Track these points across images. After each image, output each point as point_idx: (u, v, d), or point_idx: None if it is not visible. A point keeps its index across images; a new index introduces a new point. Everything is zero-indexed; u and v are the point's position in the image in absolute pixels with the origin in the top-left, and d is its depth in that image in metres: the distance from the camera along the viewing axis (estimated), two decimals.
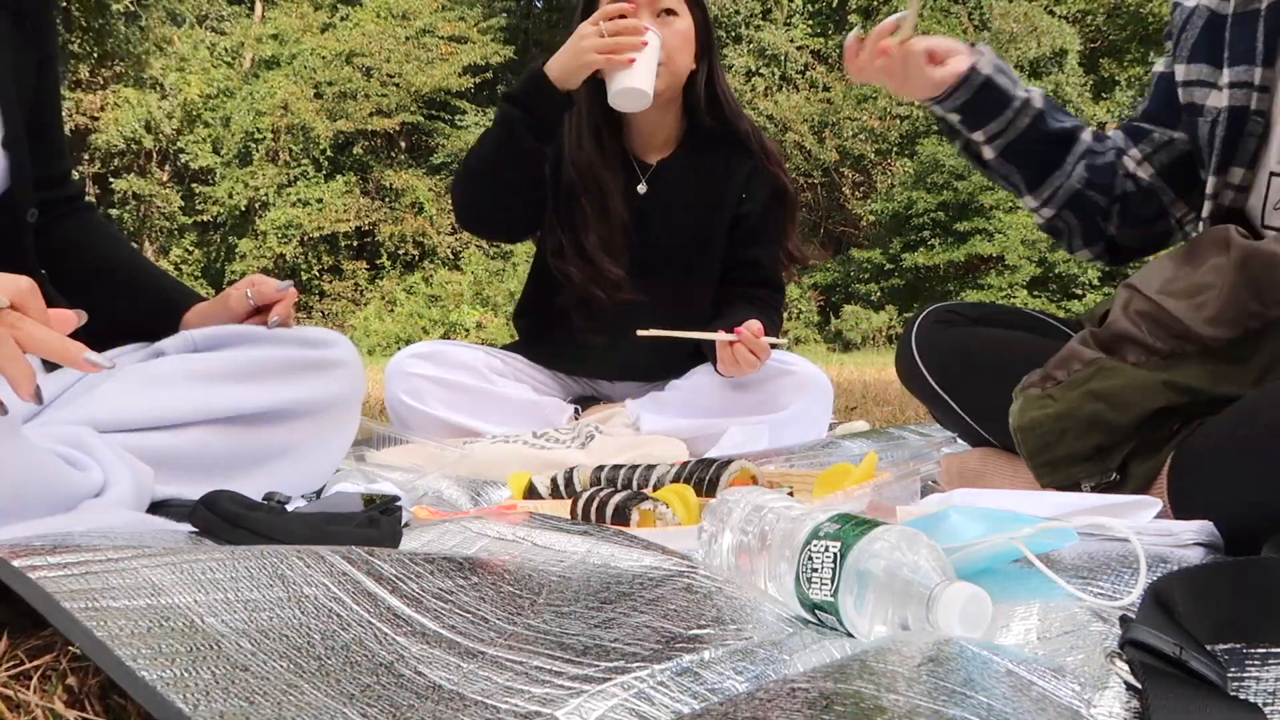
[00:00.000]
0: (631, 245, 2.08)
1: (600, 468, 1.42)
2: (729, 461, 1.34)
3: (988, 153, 1.42)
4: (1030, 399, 1.19)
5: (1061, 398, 1.17)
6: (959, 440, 1.66)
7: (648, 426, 1.96)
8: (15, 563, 0.63)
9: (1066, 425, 1.16)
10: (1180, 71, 1.35)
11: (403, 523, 1.06)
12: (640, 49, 1.81)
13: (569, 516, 1.18)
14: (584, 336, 2.10)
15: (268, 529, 0.89)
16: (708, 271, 2.14)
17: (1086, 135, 1.43)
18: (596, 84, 1.94)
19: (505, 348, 2.22)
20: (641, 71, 1.82)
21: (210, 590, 0.67)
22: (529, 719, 0.58)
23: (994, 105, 1.38)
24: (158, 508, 1.05)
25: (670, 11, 1.97)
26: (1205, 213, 1.33)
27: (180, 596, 0.66)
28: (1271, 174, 1.27)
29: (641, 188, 2.11)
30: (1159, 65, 1.43)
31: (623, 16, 1.84)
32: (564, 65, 1.84)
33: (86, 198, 1.41)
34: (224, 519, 0.90)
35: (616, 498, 1.20)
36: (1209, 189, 1.32)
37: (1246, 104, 1.27)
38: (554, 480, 1.40)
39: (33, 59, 1.21)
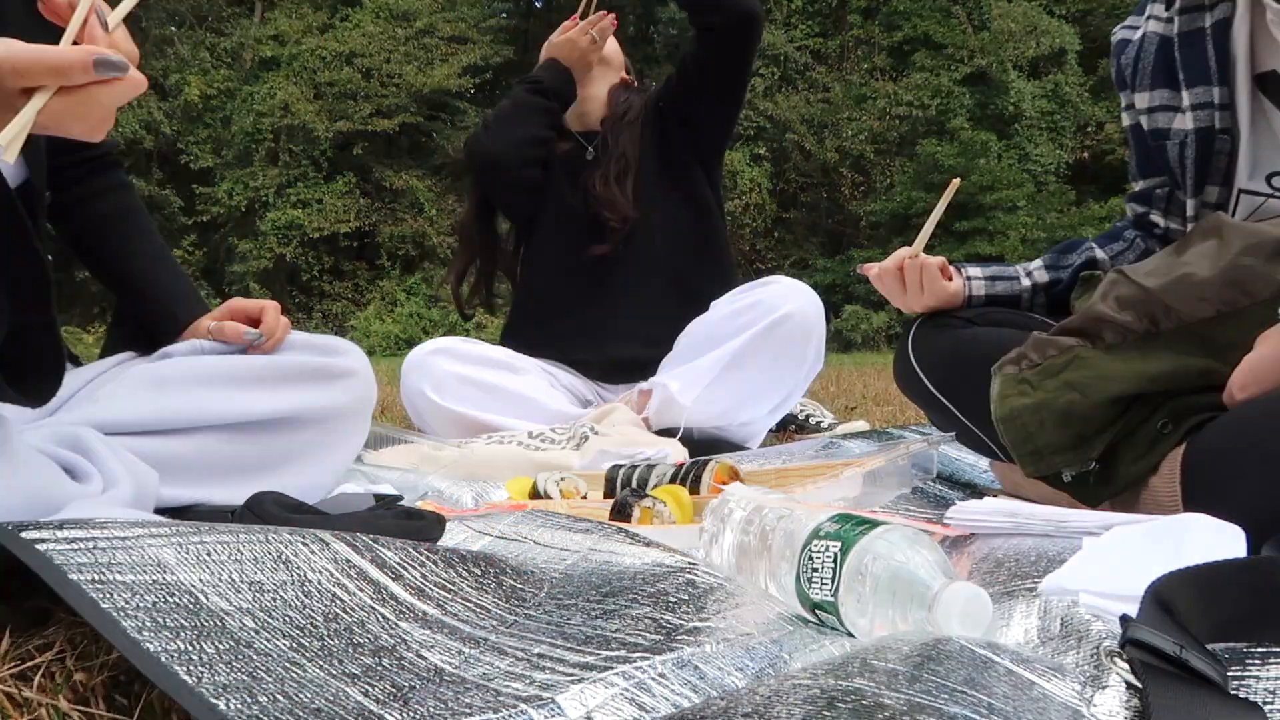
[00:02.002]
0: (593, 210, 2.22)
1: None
2: (708, 460, 1.37)
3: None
4: (1008, 380, 1.20)
5: (1040, 386, 1.17)
6: (956, 439, 1.66)
7: (685, 397, 1.97)
8: (24, 535, 0.64)
9: (1044, 416, 1.17)
10: (1142, 100, 1.38)
11: None
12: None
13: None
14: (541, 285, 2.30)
15: None
16: (656, 231, 2.24)
17: (1100, 253, 1.48)
18: None
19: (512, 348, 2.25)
20: None
21: (216, 570, 0.68)
22: (530, 703, 0.58)
23: (1009, 301, 1.49)
24: (182, 512, 1.05)
25: None
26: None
27: (186, 574, 0.66)
28: (1241, 190, 1.29)
29: (589, 154, 2.28)
30: (1125, 120, 1.47)
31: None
32: (565, 52, 2.29)
33: (115, 163, 1.32)
34: (267, 523, 0.90)
35: (616, 494, 1.22)
36: (1189, 210, 1.34)
37: (1211, 124, 1.29)
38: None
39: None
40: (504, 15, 19.74)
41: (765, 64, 18.07)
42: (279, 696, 0.55)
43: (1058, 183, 17.01)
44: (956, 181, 1.52)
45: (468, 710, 0.57)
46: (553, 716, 0.57)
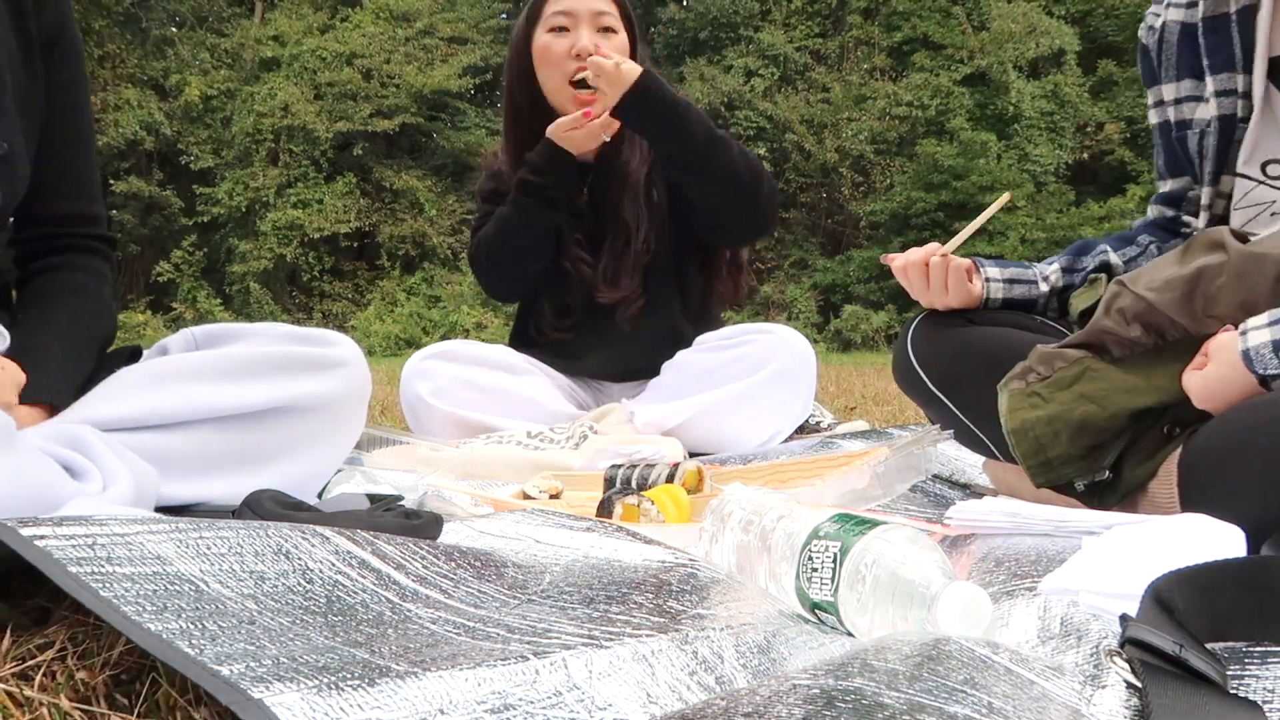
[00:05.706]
0: (591, 245, 2.16)
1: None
2: (678, 464, 1.38)
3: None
4: (1016, 395, 1.20)
5: (1052, 398, 1.17)
6: (954, 438, 1.66)
7: (642, 419, 1.96)
8: (24, 531, 0.64)
9: (1059, 428, 1.16)
10: (1169, 91, 1.37)
11: None
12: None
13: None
14: (555, 335, 2.20)
15: None
16: (664, 249, 2.17)
17: (1114, 257, 1.47)
18: (533, 108, 2.15)
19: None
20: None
21: (216, 561, 0.68)
22: (538, 656, 0.59)
23: (1025, 305, 1.49)
24: (183, 512, 1.05)
25: (609, 29, 2.13)
26: (1201, 224, 1.34)
27: (186, 566, 0.66)
28: (1237, 174, 1.28)
29: (585, 192, 2.18)
30: (1153, 118, 1.45)
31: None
32: (576, 144, 2.06)
33: (95, 251, 1.29)
34: (266, 520, 0.90)
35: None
36: (1204, 199, 1.33)
37: (1234, 111, 1.28)
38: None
39: (40, 84, 1.18)
40: (504, 15, 19.72)
41: (765, 64, 18.07)
42: (283, 659, 0.55)
43: (1057, 183, 17.00)
44: (1009, 196, 1.53)
45: (474, 664, 0.57)
46: (558, 669, 0.58)
